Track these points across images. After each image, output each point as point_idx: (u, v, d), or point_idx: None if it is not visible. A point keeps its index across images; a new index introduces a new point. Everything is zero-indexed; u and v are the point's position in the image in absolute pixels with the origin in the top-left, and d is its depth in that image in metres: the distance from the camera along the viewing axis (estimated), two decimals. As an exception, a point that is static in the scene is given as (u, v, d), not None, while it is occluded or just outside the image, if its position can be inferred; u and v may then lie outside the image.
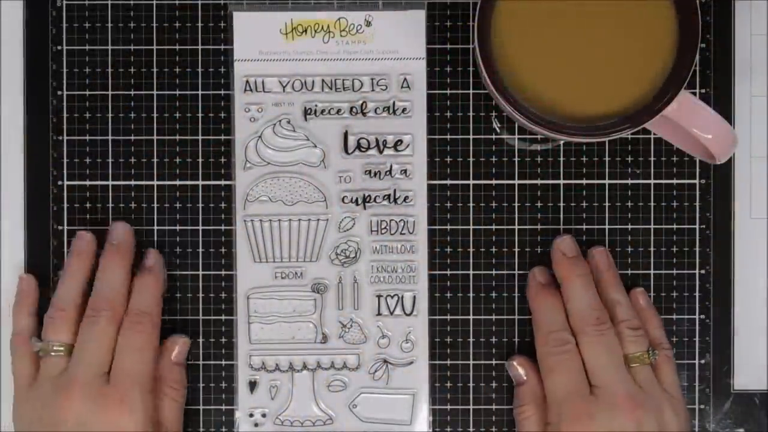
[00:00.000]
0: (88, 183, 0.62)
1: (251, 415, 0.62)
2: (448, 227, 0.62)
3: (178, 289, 0.62)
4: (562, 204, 0.62)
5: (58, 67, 0.62)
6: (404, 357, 0.62)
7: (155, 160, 0.62)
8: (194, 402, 0.62)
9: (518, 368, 0.60)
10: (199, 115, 0.62)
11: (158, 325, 0.59)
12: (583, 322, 0.58)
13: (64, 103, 0.62)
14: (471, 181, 0.62)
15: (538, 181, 0.62)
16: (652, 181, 0.62)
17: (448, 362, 0.62)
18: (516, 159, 0.62)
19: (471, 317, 0.62)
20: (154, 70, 0.62)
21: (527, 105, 0.56)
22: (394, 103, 0.62)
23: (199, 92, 0.62)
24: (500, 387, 0.62)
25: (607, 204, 0.62)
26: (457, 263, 0.62)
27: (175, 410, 0.59)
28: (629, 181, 0.62)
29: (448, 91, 0.62)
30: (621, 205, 0.62)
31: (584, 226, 0.62)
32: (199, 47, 0.62)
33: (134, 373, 0.57)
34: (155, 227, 0.62)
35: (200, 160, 0.62)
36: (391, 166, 0.62)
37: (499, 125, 0.62)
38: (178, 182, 0.62)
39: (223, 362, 0.62)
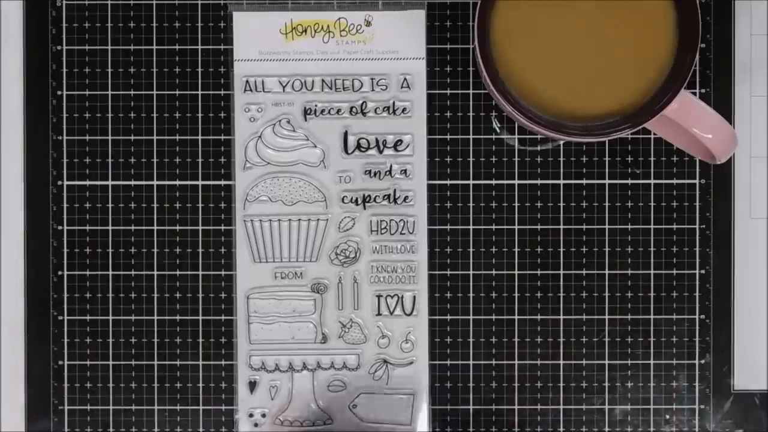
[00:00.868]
0: (88, 183, 0.62)
1: (251, 415, 0.62)
2: (448, 227, 0.62)
3: (178, 289, 0.62)
4: (562, 204, 0.62)
5: (58, 67, 0.62)
6: (404, 357, 0.62)
7: (155, 160, 0.62)
8: (194, 402, 0.62)
9: None
10: (199, 115, 0.62)
11: None
12: None
13: (64, 103, 0.62)
14: (471, 181, 0.62)
15: (538, 181, 0.62)
16: (652, 181, 0.62)
17: (448, 362, 0.62)
18: (516, 159, 0.62)
19: (471, 317, 0.62)
20: (154, 70, 0.62)
21: (527, 105, 0.56)
22: (394, 103, 0.62)
23: (199, 92, 0.62)
24: (500, 387, 0.62)
25: (607, 204, 0.62)
26: (457, 263, 0.62)
27: None
28: (629, 181, 0.62)
29: (448, 91, 0.62)
30: (621, 205, 0.62)
31: (584, 226, 0.62)
32: (199, 47, 0.62)
33: None
34: (155, 227, 0.62)
35: (200, 160, 0.62)
36: (391, 166, 0.62)
37: (499, 125, 0.62)
38: (178, 182, 0.62)
39: (223, 362, 0.62)
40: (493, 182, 0.62)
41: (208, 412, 0.62)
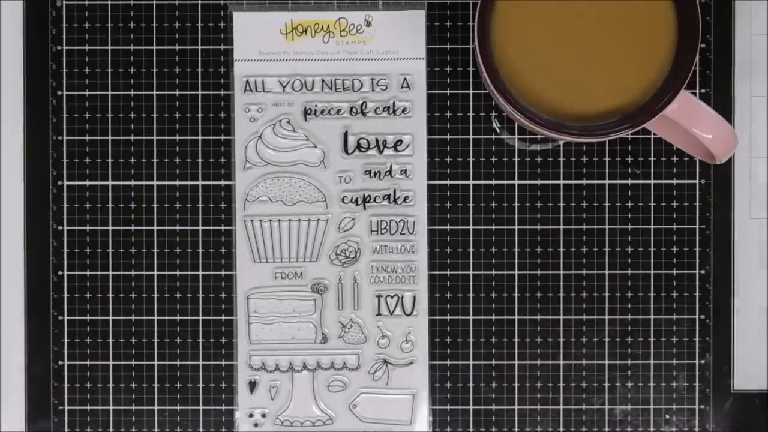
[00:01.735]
0: (88, 183, 0.62)
1: (251, 415, 0.62)
2: (448, 227, 0.62)
3: (178, 289, 0.62)
4: (562, 204, 0.62)
5: (58, 67, 0.62)
6: (404, 357, 0.62)
7: (155, 160, 0.62)
8: (194, 402, 0.62)
9: None
10: (199, 115, 0.62)
11: None
12: None
13: (64, 103, 0.62)
14: (471, 181, 0.62)
15: (538, 181, 0.62)
16: (652, 181, 0.62)
17: (448, 362, 0.62)
18: (516, 159, 0.62)
19: (471, 317, 0.62)
20: (154, 70, 0.62)
21: (527, 105, 0.56)
22: (394, 103, 0.62)
23: (199, 92, 0.62)
24: (500, 387, 0.62)
25: (607, 204, 0.62)
26: (457, 263, 0.62)
27: None
28: (629, 181, 0.62)
29: (448, 91, 0.62)
30: (621, 205, 0.62)
31: (584, 226, 0.62)
32: (199, 47, 0.62)
33: None
34: (155, 227, 0.62)
35: (200, 160, 0.62)
36: (391, 166, 0.62)
37: (499, 125, 0.62)
38: (178, 182, 0.62)
39: (223, 362, 0.62)
40: (493, 182, 0.62)
41: (208, 412, 0.62)
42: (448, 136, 0.62)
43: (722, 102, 0.62)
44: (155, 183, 0.62)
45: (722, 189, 0.62)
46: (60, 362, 0.62)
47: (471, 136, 0.62)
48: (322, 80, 0.61)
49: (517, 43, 0.56)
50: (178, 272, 0.62)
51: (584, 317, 0.62)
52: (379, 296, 0.62)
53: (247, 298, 0.62)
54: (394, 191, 0.62)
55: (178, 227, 0.62)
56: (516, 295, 0.62)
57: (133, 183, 0.62)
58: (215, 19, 0.62)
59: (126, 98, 0.62)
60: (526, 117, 0.55)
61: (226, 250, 0.62)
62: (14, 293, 0.62)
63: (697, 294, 0.62)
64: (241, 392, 0.62)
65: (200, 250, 0.62)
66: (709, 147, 0.56)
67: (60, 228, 0.62)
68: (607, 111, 0.56)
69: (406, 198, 0.62)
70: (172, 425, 0.62)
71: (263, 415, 0.62)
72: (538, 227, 0.62)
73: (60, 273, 0.62)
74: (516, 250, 0.62)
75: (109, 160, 0.62)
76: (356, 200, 0.62)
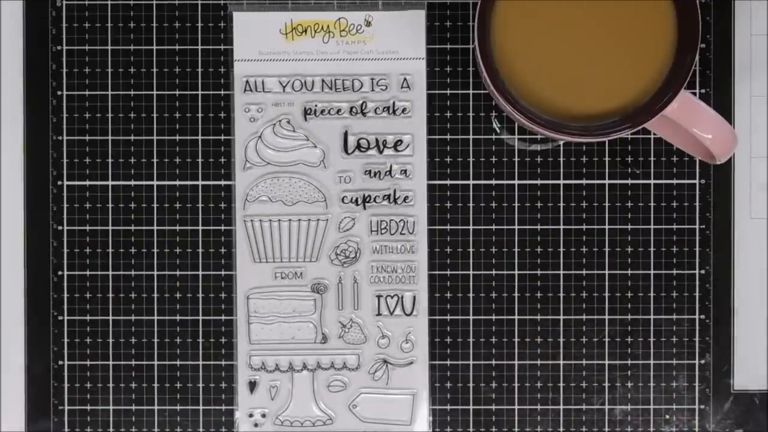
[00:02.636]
0: (88, 183, 0.62)
1: (251, 415, 0.62)
2: (448, 227, 0.62)
3: (178, 289, 0.62)
4: (562, 204, 0.62)
5: (58, 67, 0.62)
6: (404, 357, 0.62)
7: (155, 160, 0.62)
8: (194, 402, 0.62)
9: None
10: (199, 115, 0.62)
11: None
12: None
13: (64, 103, 0.62)
14: (471, 181, 0.62)
15: (538, 181, 0.62)
16: (652, 181, 0.62)
17: (448, 362, 0.62)
18: (516, 159, 0.62)
19: (471, 317, 0.62)
20: (154, 70, 0.62)
21: (527, 105, 0.56)
22: (394, 103, 0.62)
23: (199, 92, 0.62)
24: (500, 387, 0.62)
25: (607, 204, 0.62)
26: (457, 263, 0.62)
27: None
28: (629, 181, 0.62)
29: (448, 91, 0.62)
30: (621, 205, 0.62)
31: (584, 226, 0.62)
32: (199, 47, 0.62)
33: None
34: (155, 227, 0.62)
35: (200, 160, 0.62)
36: (391, 166, 0.62)
37: (499, 125, 0.62)
38: (178, 182, 0.62)
39: (223, 362, 0.62)
40: (493, 182, 0.62)
41: (208, 412, 0.62)
42: (448, 136, 0.62)
43: (722, 102, 0.62)
44: (155, 183, 0.62)
45: (722, 189, 0.62)
46: (60, 362, 0.62)
47: (471, 136, 0.62)
48: (322, 80, 0.61)
49: (517, 43, 0.56)
50: (178, 272, 0.62)
51: (584, 317, 0.62)
52: (379, 296, 0.62)
53: (247, 298, 0.62)
54: (394, 191, 0.62)
55: (178, 227, 0.62)
56: (516, 295, 0.62)
57: (133, 183, 0.62)
58: (215, 19, 0.62)
59: (126, 98, 0.62)
60: (526, 117, 0.55)
61: (226, 250, 0.62)
62: (14, 293, 0.62)
63: (697, 294, 0.62)
64: (241, 392, 0.62)
65: (200, 250, 0.62)
66: (709, 147, 0.56)
67: (60, 228, 0.62)
68: (607, 111, 0.56)
69: (406, 198, 0.62)
70: (172, 425, 0.62)
71: (263, 415, 0.62)
72: (538, 227, 0.62)
73: (60, 273, 0.62)
74: (516, 250, 0.62)
75: (109, 160, 0.62)
76: (356, 200, 0.62)
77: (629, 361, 0.62)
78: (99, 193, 0.62)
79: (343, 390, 0.62)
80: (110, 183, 0.62)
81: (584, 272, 0.62)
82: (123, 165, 0.62)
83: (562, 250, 0.62)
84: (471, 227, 0.62)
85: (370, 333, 0.62)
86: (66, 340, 0.62)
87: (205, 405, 0.62)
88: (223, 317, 0.62)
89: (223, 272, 0.62)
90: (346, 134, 0.62)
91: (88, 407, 0.62)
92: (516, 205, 0.62)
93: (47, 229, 0.62)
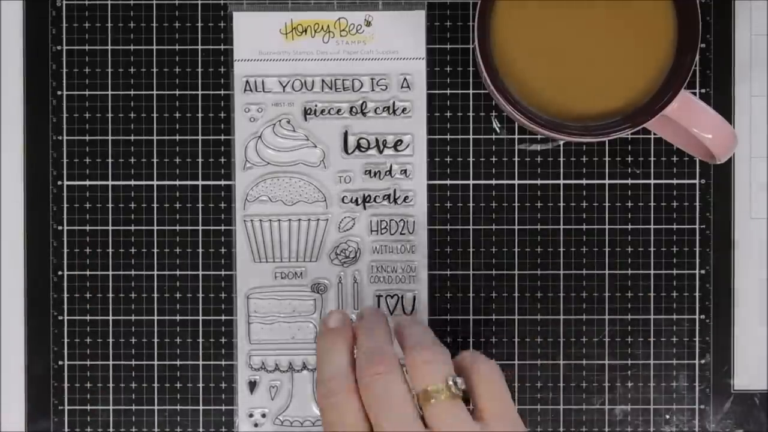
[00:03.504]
0: (88, 183, 0.62)
1: (251, 415, 0.62)
2: (448, 227, 0.62)
3: (178, 289, 0.62)
4: (562, 204, 0.62)
5: (58, 67, 0.62)
6: (404, 357, 0.62)
7: (155, 160, 0.62)
8: (194, 402, 0.62)
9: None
10: (199, 115, 0.62)
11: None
12: (359, 371, 0.50)
13: (64, 103, 0.62)
14: (471, 181, 0.62)
15: (538, 181, 0.62)
16: (652, 181, 0.62)
17: (448, 362, 0.62)
18: (516, 159, 0.62)
19: (471, 317, 0.62)
20: (154, 70, 0.62)
21: (527, 105, 0.56)
22: (394, 103, 0.61)
23: (199, 92, 0.62)
24: (500, 387, 0.62)
25: (607, 204, 0.62)
26: (457, 263, 0.62)
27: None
28: (629, 181, 0.62)
29: (448, 91, 0.62)
30: (621, 205, 0.62)
31: (584, 226, 0.62)
32: (199, 47, 0.62)
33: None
34: (155, 227, 0.62)
35: (200, 160, 0.62)
36: (391, 166, 0.62)
37: (499, 125, 0.62)
38: (178, 182, 0.62)
39: (223, 362, 0.62)
40: (493, 182, 0.62)
41: (208, 412, 0.62)
42: (448, 136, 0.62)
43: (722, 102, 0.62)
44: (155, 183, 0.62)
45: (722, 189, 0.62)
46: (60, 362, 0.62)
47: (471, 136, 0.62)
48: (322, 80, 0.61)
49: (517, 43, 0.56)
50: (178, 272, 0.62)
51: (584, 317, 0.62)
52: (379, 296, 0.62)
53: (247, 298, 0.62)
54: (394, 191, 0.62)
55: (178, 227, 0.62)
56: (516, 295, 0.62)
57: (133, 183, 0.62)
58: (215, 19, 0.62)
59: (126, 98, 0.62)
60: (526, 117, 0.55)
61: (226, 250, 0.62)
62: (14, 293, 0.62)
63: (697, 294, 0.62)
64: (241, 392, 0.62)
65: (200, 250, 0.62)
66: (709, 147, 0.56)
67: (60, 228, 0.62)
68: (607, 111, 0.56)
69: (406, 198, 0.62)
70: (172, 425, 0.62)
71: (263, 415, 0.62)
72: (538, 227, 0.62)
73: (60, 273, 0.62)
74: (516, 250, 0.62)
75: (109, 160, 0.62)
76: (356, 200, 0.62)
77: (629, 361, 0.62)
78: (99, 193, 0.62)
79: (343, 390, 0.62)
80: (110, 183, 0.62)
81: (584, 272, 0.62)
82: (123, 165, 0.62)
83: (562, 250, 0.62)
84: (471, 227, 0.62)
85: (370, 333, 0.62)
86: (66, 340, 0.62)
87: (205, 405, 0.62)
88: (223, 317, 0.62)
89: (223, 272, 0.62)
90: (346, 134, 0.62)
91: (88, 407, 0.62)
92: (516, 205, 0.62)
93: (47, 229, 0.62)
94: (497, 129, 0.62)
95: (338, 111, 0.61)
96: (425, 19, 0.62)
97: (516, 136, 0.62)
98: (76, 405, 0.62)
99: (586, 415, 0.62)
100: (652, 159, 0.62)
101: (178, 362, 0.62)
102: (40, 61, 0.62)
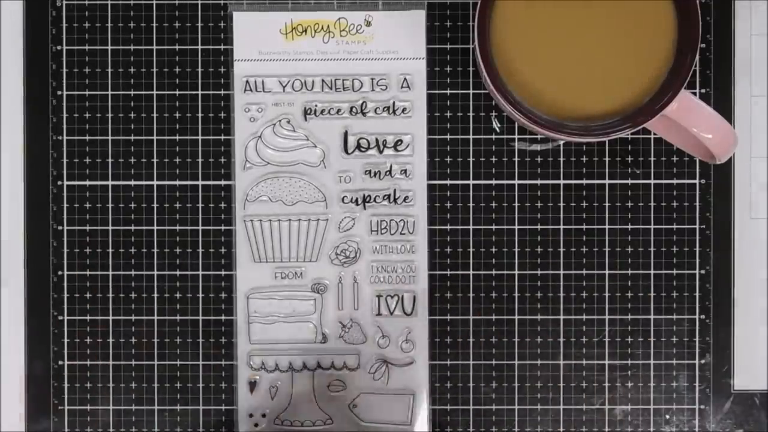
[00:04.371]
0: (88, 183, 0.62)
1: (251, 415, 0.62)
2: (448, 227, 0.62)
3: (178, 289, 0.62)
4: (562, 204, 0.62)
5: (58, 67, 0.62)
6: (404, 357, 0.62)
7: (155, 160, 0.62)
8: (194, 402, 0.62)
9: None
10: (199, 115, 0.62)
11: None
12: None
13: (64, 103, 0.62)
14: (471, 181, 0.62)
15: (538, 181, 0.62)
16: (652, 181, 0.62)
17: (448, 362, 0.62)
18: (516, 159, 0.62)
19: (471, 317, 0.62)
20: (154, 70, 0.62)
21: (527, 105, 0.56)
22: (394, 103, 0.62)
23: (199, 92, 0.62)
24: (500, 387, 0.62)
25: (607, 204, 0.62)
26: (457, 263, 0.62)
27: None
28: (629, 181, 0.62)
29: (448, 91, 0.62)
30: (621, 205, 0.62)
31: (584, 226, 0.62)
32: (199, 47, 0.62)
33: None
34: (155, 227, 0.62)
35: (200, 160, 0.62)
36: (391, 166, 0.62)
37: (499, 125, 0.62)
38: (178, 182, 0.62)
39: (223, 362, 0.62)
40: (493, 182, 0.62)
41: (208, 412, 0.62)
42: (448, 136, 0.62)
43: (722, 102, 0.62)
44: (155, 183, 0.62)
45: (722, 189, 0.62)
46: (60, 362, 0.62)
47: (471, 136, 0.62)
48: (322, 80, 0.61)
49: (517, 43, 0.56)
50: (178, 272, 0.62)
51: (584, 317, 0.62)
52: (379, 296, 0.62)
53: (247, 298, 0.62)
54: (394, 191, 0.62)
55: (178, 227, 0.62)
56: (516, 295, 0.62)
57: (133, 183, 0.62)
58: (215, 19, 0.62)
59: (126, 98, 0.62)
60: (527, 117, 0.55)
61: (226, 250, 0.62)
62: (14, 293, 0.62)
63: (697, 294, 0.62)
64: (241, 392, 0.62)
65: (200, 250, 0.62)
66: (709, 147, 0.56)
67: (60, 228, 0.62)
68: (607, 111, 0.56)
69: (406, 198, 0.62)
70: (172, 425, 0.62)
71: (263, 415, 0.62)
72: (538, 227, 0.62)
73: (60, 273, 0.62)
74: (516, 250, 0.62)
75: (109, 160, 0.62)
76: (356, 200, 0.62)
77: (629, 361, 0.62)
78: (99, 193, 0.62)
79: (343, 390, 0.62)
80: (110, 183, 0.62)
81: (584, 272, 0.62)
82: (123, 165, 0.62)
83: (562, 250, 0.62)
84: (471, 227, 0.62)
85: (370, 333, 0.62)
86: (66, 340, 0.62)
87: (205, 405, 0.62)
88: (223, 317, 0.62)
89: (223, 272, 0.62)
90: (346, 134, 0.62)
91: (88, 407, 0.62)
92: (516, 205, 0.62)
93: (47, 229, 0.62)
94: (497, 129, 0.62)
95: (338, 111, 0.61)
96: (425, 19, 0.62)
97: (516, 136, 0.62)
98: (76, 405, 0.62)
99: (586, 415, 0.62)
100: (652, 159, 0.62)
101: (178, 362, 0.62)
102: (40, 61, 0.62)
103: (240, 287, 0.62)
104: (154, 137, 0.62)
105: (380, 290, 0.62)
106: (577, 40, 0.55)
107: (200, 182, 0.62)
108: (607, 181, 0.62)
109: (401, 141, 0.62)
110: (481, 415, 0.62)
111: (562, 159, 0.62)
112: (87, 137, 0.62)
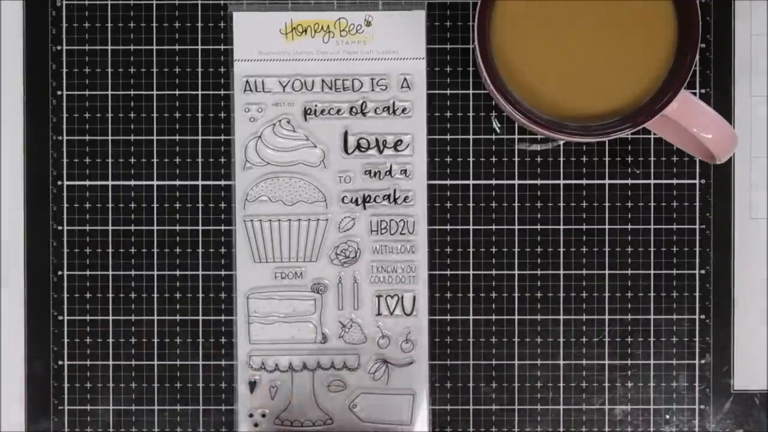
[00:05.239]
0: (88, 183, 0.62)
1: (251, 415, 0.62)
2: (448, 227, 0.62)
3: (178, 289, 0.62)
4: (562, 204, 0.62)
5: (58, 67, 0.62)
6: (404, 357, 0.62)
7: (155, 160, 0.62)
8: (194, 402, 0.62)
9: None
10: (199, 115, 0.62)
11: None
12: None
13: (64, 103, 0.62)
14: (471, 181, 0.62)
15: (538, 181, 0.62)
16: (652, 181, 0.62)
17: (448, 362, 0.62)
18: (516, 159, 0.62)
19: (471, 317, 0.62)
20: (154, 70, 0.62)
21: (527, 105, 0.56)
22: (394, 103, 0.62)
23: (199, 92, 0.62)
24: (500, 387, 0.62)
25: (607, 204, 0.62)
26: (457, 263, 0.62)
27: None
28: (629, 181, 0.62)
29: (448, 91, 0.62)
30: (621, 205, 0.62)
31: (584, 226, 0.62)
32: (199, 47, 0.62)
33: None
34: (155, 227, 0.62)
35: (200, 160, 0.62)
36: (391, 166, 0.62)
37: (499, 125, 0.62)
38: (178, 182, 0.62)
39: (223, 362, 0.62)
40: (493, 182, 0.62)
41: (208, 412, 0.62)
42: (448, 136, 0.62)
43: (722, 102, 0.62)
44: (155, 183, 0.62)
45: (722, 189, 0.62)
46: (60, 362, 0.62)
47: (471, 136, 0.62)
48: (322, 80, 0.61)
49: (517, 43, 0.56)
50: (178, 272, 0.62)
51: (584, 317, 0.62)
52: (379, 296, 0.62)
53: (247, 298, 0.62)
54: (394, 191, 0.62)
55: (178, 227, 0.62)
56: (516, 295, 0.62)
57: (133, 183, 0.62)
58: (215, 19, 0.62)
59: (126, 98, 0.62)
60: (526, 117, 0.55)
61: (226, 250, 0.62)
62: (14, 293, 0.62)
63: (697, 294, 0.62)
64: (241, 392, 0.62)
65: (200, 250, 0.62)
66: (709, 147, 0.56)
67: (60, 228, 0.62)
68: (607, 111, 0.56)
69: (406, 198, 0.62)
70: (172, 425, 0.62)
71: (263, 415, 0.62)
72: (538, 227, 0.62)
73: (60, 273, 0.62)
74: (516, 250, 0.62)
75: (109, 160, 0.62)
76: (356, 200, 0.62)
77: (629, 361, 0.62)
78: (99, 193, 0.62)
79: (343, 390, 0.62)
80: (110, 183, 0.62)
81: (584, 272, 0.62)
82: (123, 165, 0.62)
83: (562, 250, 0.62)
84: (471, 227, 0.62)
85: (370, 333, 0.62)
86: (66, 340, 0.62)
87: (205, 405, 0.62)
88: (223, 317, 0.62)
89: (223, 272, 0.62)
90: (346, 134, 0.62)
91: (88, 407, 0.62)
92: (516, 205, 0.62)
93: (47, 229, 0.62)
94: (497, 129, 0.62)
95: (338, 111, 0.61)
96: (425, 19, 0.62)
97: (516, 136, 0.62)
98: (76, 405, 0.62)
99: (586, 415, 0.62)
100: (652, 159, 0.62)
101: (178, 362, 0.62)
102: (40, 61, 0.62)
103: (240, 287, 0.62)
104: (154, 137, 0.62)
105: (380, 290, 0.62)
106: (577, 40, 0.55)
107: (200, 182, 0.62)
108: (607, 181, 0.62)
109: (401, 141, 0.62)
110: (481, 415, 0.62)
111: (562, 159, 0.62)
112: (87, 137, 0.62)
